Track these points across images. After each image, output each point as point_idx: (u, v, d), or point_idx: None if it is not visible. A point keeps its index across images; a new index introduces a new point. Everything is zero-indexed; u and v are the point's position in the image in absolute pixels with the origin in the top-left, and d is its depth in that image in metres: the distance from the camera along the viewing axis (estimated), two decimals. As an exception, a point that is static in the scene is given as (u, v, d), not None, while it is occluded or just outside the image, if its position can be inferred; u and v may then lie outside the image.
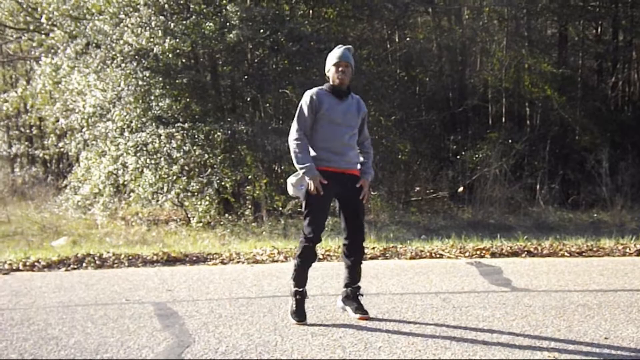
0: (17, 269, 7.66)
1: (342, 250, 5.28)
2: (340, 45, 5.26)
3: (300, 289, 5.16)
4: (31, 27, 19.55)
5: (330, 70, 5.19)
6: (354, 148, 5.22)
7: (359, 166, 5.24)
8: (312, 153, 5.11)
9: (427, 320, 5.13)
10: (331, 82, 5.18)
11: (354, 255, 5.21)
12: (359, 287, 5.28)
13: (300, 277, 5.16)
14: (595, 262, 7.78)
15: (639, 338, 4.67)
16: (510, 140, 17.32)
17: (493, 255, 8.20)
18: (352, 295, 5.26)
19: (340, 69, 5.10)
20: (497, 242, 9.09)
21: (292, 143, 5.09)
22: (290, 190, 5.19)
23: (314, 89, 5.20)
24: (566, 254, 8.31)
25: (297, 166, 5.07)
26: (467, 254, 8.24)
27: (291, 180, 5.16)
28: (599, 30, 21.43)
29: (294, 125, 5.12)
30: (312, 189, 4.99)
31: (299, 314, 5.12)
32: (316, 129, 5.12)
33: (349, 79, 5.17)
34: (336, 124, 5.09)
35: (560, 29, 20.27)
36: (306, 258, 5.13)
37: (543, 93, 18.88)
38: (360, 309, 5.20)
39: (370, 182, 5.29)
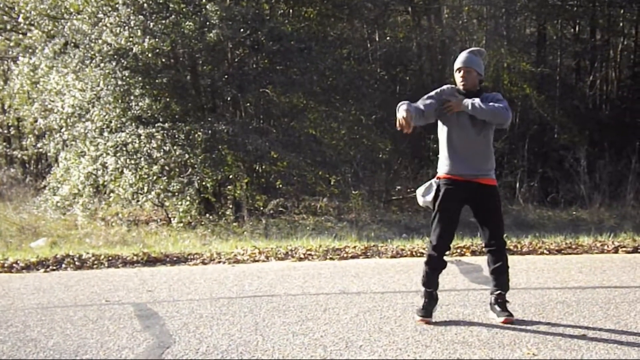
0: (-5, 271, 7.59)
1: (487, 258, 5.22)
2: (471, 49, 5.19)
3: (429, 290, 5.15)
4: (8, 27, 19.34)
5: (455, 73, 5.16)
6: (484, 153, 5.05)
7: (492, 175, 5.07)
8: (442, 161, 5.08)
9: (408, 319, 5.15)
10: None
11: (494, 263, 5.09)
12: (502, 295, 5.10)
13: (428, 280, 5.15)
14: (574, 259, 7.84)
15: (617, 334, 4.72)
16: (490, 139, 17.38)
17: (473, 253, 8.23)
18: (495, 302, 5.11)
19: (461, 73, 5.06)
20: (477, 241, 9.08)
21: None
22: (420, 201, 5.16)
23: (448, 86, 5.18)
24: (545, 251, 8.36)
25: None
26: (447, 253, 8.26)
27: (419, 190, 5.15)
28: (577, 29, 21.65)
29: None
30: (399, 118, 4.77)
31: (424, 312, 5.11)
32: (443, 133, 5.07)
33: (472, 82, 5.06)
34: (460, 127, 5.00)
35: (539, 28, 20.45)
36: (432, 266, 5.11)
37: (522, 92, 19.02)
38: (503, 312, 5.05)
39: (462, 106, 4.92)
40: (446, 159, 5.06)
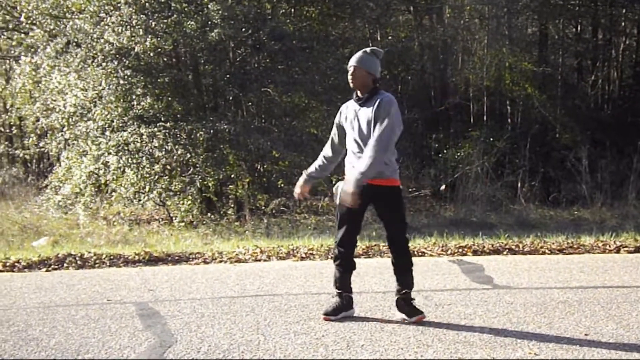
0: (-3, 270, 7.59)
1: None
2: (365, 49, 5.07)
3: (339, 291, 5.18)
4: (10, 26, 19.35)
5: None
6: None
7: (385, 176, 4.92)
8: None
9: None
10: None
11: (395, 261, 5.09)
12: (407, 292, 5.08)
13: (337, 280, 5.19)
14: (575, 259, 7.84)
15: (618, 334, 4.72)
16: (491, 139, 17.39)
17: (475, 253, 8.24)
18: (402, 301, 5.10)
19: (349, 72, 5.03)
20: (478, 240, 9.12)
21: None
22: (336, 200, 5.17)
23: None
24: (547, 251, 8.36)
25: None
26: (449, 252, 8.28)
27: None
28: (579, 28, 21.64)
29: None
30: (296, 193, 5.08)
31: (330, 309, 5.15)
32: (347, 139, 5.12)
33: (361, 82, 4.95)
34: (349, 131, 5.05)
35: (541, 27, 20.42)
36: (340, 263, 5.13)
37: (524, 91, 19.00)
38: (412, 312, 5.05)
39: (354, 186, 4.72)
40: (347, 161, 5.11)
